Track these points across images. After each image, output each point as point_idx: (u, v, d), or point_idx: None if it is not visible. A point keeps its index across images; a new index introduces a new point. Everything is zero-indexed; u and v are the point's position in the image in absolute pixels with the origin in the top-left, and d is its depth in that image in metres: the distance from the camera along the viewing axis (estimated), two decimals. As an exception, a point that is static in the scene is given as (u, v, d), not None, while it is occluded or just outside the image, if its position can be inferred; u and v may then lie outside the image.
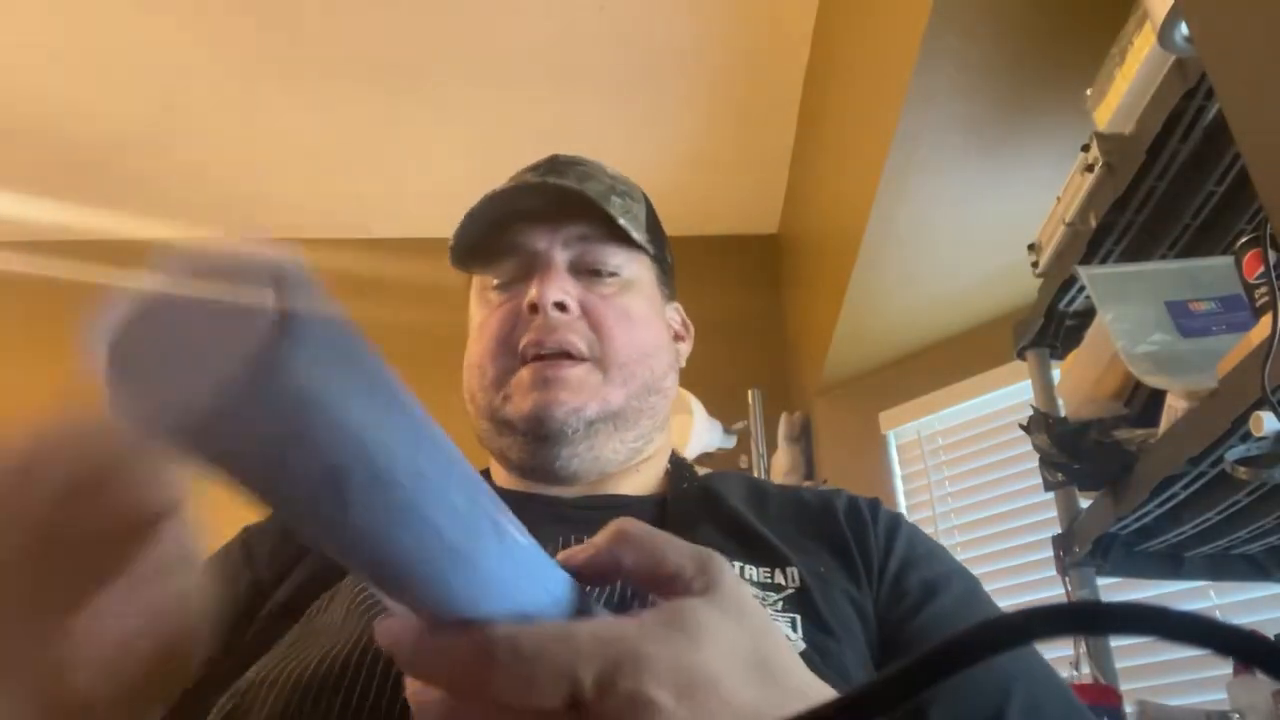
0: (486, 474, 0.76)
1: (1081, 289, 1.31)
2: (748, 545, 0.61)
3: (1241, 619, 1.55)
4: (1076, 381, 1.24)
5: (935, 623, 0.57)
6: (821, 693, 0.34)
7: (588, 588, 0.34)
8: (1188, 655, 1.59)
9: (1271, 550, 1.24)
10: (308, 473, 0.22)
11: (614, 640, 0.29)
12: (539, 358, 0.66)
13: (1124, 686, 1.31)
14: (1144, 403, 1.18)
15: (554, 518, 0.65)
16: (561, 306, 0.67)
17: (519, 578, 0.30)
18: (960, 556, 2.08)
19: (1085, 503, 1.30)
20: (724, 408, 2.32)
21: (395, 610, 0.30)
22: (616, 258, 0.71)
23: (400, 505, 0.24)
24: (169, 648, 0.35)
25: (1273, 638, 0.19)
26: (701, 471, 0.76)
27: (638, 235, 0.71)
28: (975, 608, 0.59)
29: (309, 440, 0.21)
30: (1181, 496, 1.07)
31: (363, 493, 0.23)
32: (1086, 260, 1.25)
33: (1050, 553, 1.37)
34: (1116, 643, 1.37)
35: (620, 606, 0.49)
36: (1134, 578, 1.32)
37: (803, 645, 0.51)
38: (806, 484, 1.73)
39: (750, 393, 2.40)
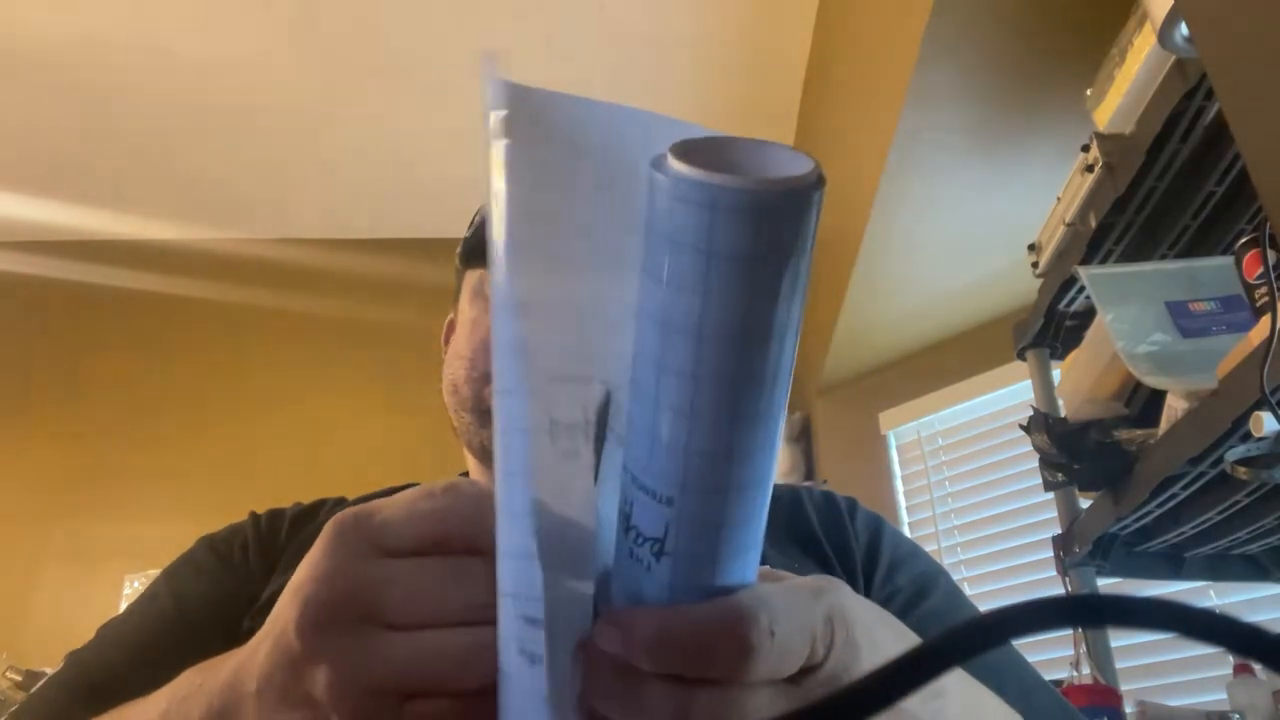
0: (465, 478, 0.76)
1: (1081, 289, 1.31)
2: None
3: (1241, 619, 1.55)
4: (1076, 382, 1.24)
5: (932, 618, 0.59)
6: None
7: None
8: (1188, 655, 1.59)
9: (1271, 550, 1.23)
10: (764, 308, 0.24)
11: (823, 591, 0.30)
12: None
13: (1124, 686, 1.31)
14: (1144, 403, 1.18)
15: None
16: None
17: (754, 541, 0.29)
18: (960, 556, 2.10)
19: (1085, 503, 1.30)
20: (724, 408, 2.31)
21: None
22: None
23: (776, 405, 0.25)
24: None
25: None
26: None
27: None
28: (964, 603, 0.64)
29: (778, 279, 0.23)
30: (1181, 497, 1.07)
31: (776, 363, 0.24)
32: (1086, 260, 1.24)
33: (1050, 553, 1.37)
34: (1116, 643, 1.37)
35: None
36: (1134, 578, 1.32)
37: None
38: (806, 484, 1.73)
39: (750, 393, 2.39)
